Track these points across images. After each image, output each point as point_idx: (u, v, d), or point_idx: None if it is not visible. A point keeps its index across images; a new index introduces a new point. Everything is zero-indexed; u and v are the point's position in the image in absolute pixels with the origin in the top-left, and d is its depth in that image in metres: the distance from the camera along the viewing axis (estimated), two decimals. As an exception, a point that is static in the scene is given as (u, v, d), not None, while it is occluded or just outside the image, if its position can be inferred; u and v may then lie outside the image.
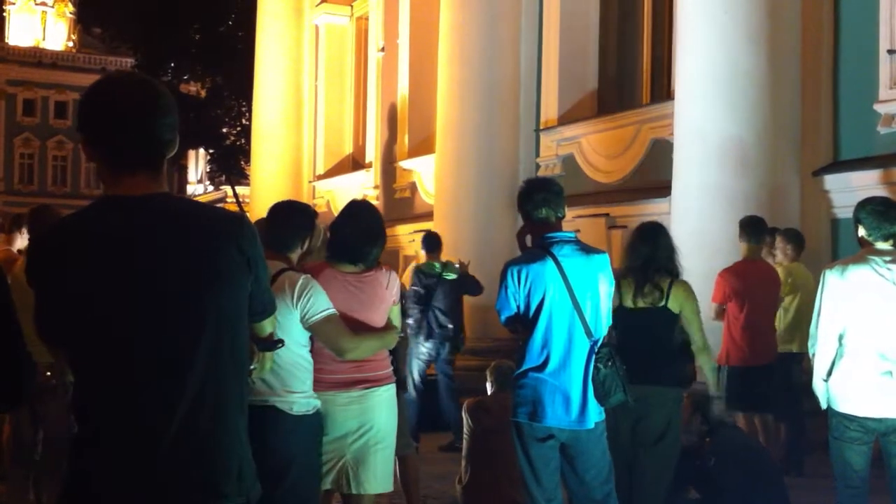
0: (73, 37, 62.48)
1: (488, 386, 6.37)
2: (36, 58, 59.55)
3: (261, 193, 18.39)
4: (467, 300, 9.38)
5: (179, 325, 2.16)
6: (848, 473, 4.64)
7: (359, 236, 4.46)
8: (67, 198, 54.23)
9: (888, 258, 4.56)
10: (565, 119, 12.03)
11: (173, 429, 2.14)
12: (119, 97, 2.23)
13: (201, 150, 41.41)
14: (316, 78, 18.81)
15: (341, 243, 4.49)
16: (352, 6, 18.48)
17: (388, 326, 4.46)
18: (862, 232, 4.68)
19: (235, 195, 31.28)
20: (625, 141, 11.05)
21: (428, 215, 13.54)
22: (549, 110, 12.23)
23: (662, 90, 11.08)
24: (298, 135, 18.84)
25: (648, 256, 5.20)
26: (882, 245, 4.61)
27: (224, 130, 30.92)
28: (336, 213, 4.77)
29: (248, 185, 24.48)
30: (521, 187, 4.70)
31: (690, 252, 7.27)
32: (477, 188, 11.82)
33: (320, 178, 18.64)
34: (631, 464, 5.11)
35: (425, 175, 14.65)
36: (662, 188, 9.38)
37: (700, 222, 8.23)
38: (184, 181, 54.18)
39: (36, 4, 61.63)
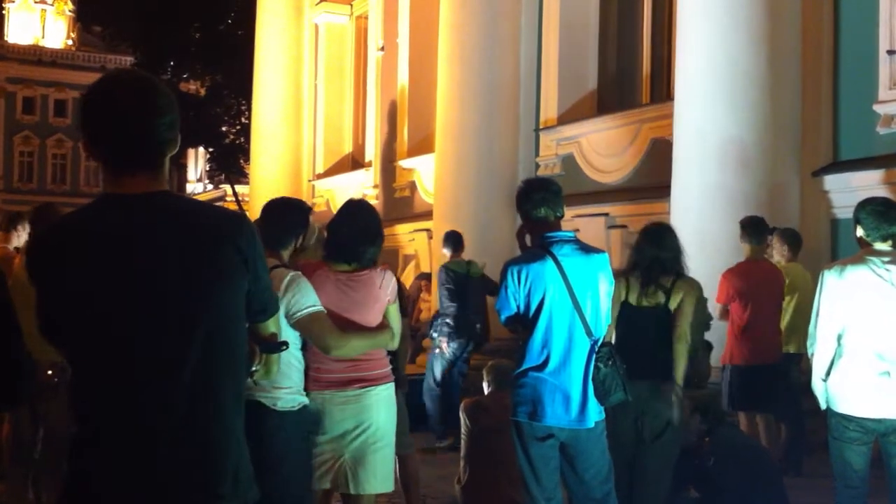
0: (73, 35, 62.44)
1: (485, 385, 6.37)
2: (35, 56, 59.52)
3: (260, 192, 18.38)
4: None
5: (177, 324, 2.16)
6: (847, 473, 4.65)
7: (355, 236, 4.47)
8: (67, 196, 54.20)
9: (887, 259, 4.56)
10: (565, 118, 12.03)
11: (172, 428, 2.14)
12: (118, 96, 2.23)
13: (201, 149, 41.40)
14: (315, 77, 18.80)
15: (337, 242, 4.51)
16: (351, 5, 18.47)
17: (383, 326, 4.46)
18: (861, 232, 4.68)
19: (235, 194, 31.26)
20: (624, 141, 11.05)
21: (427, 214, 13.53)
22: (549, 110, 12.23)
23: (662, 90, 11.08)
24: (298, 134, 18.83)
25: (654, 257, 5.21)
26: (881, 245, 4.61)
27: (223, 129, 30.91)
28: (336, 213, 4.78)
29: (247, 183, 24.47)
30: (519, 187, 4.71)
31: (690, 252, 7.26)
32: (476, 187, 11.82)
33: (320, 177, 18.63)
34: (632, 462, 5.11)
35: (425, 174, 14.65)
36: (662, 188, 9.37)
37: (700, 222, 8.22)
38: (183, 180, 54.14)
39: (35, 2, 61.60)
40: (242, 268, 2.25)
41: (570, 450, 4.42)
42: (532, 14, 12.34)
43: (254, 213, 16.11)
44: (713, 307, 7.06)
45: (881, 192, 7.26)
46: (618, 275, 4.86)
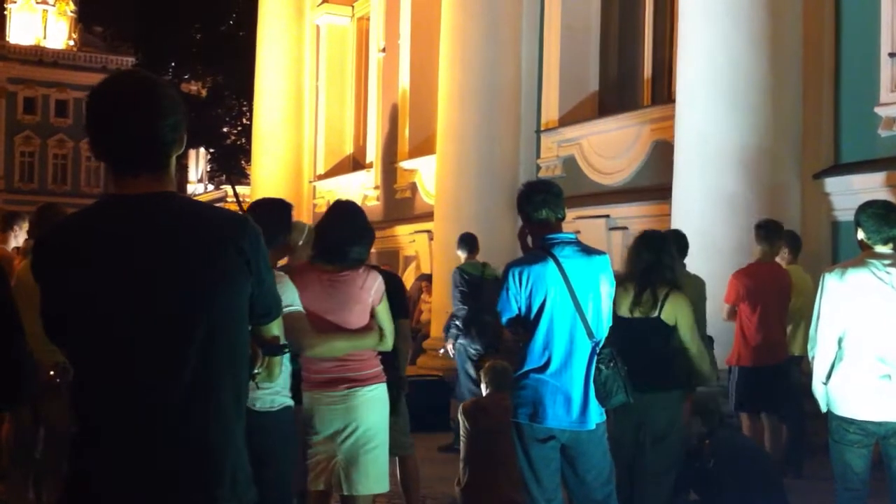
0: (74, 35, 62.47)
1: (483, 387, 6.36)
2: (37, 56, 59.54)
3: (261, 193, 18.38)
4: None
5: (177, 325, 2.16)
6: (848, 476, 4.65)
7: (339, 236, 4.49)
8: (68, 196, 54.22)
9: (888, 261, 4.56)
10: (566, 120, 12.03)
11: (171, 429, 2.14)
12: (122, 97, 2.23)
13: (202, 150, 41.44)
14: (317, 78, 18.81)
15: (322, 243, 4.54)
16: (353, 6, 18.48)
17: (369, 327, 4.47)
18: (862, 235, 4.68)
19: (236, 195, 31.26)
20: (626, 143, 11.06)
21: (428, 216, 13.54)
22: (550, 111, 12.24)
23: (663, 92, 11.08)
24: (299, 134, 18.84)
25: (650, 264, 5.21)
26: (882, 248, 4.61)
27: (224, 130, 30.95)
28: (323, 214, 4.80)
29: (248, 184, 24.50)
30: (520, 189, 4.71)
31: (692, 254, 7.28)
32: (478, 189, 11.83)
33: (321, 177, 18.64)
34: (632, 465, 5.11)
35: (426, 175, 14.65)
36: (663, 190, 9.38)
37: (701, 224, 8.22)
38: (184, 180, 54.15)
39: (37, 3, 61.62)
40: (245, 270, 2.24)
41: (570, 451, 4.42)
42: (533, 16, 12.35)
43: (255, 213, 16.10)
44: (720, 307, 7.07)
45: (882, 194, 7.25)
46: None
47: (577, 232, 8.04)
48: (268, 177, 18.65)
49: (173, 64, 29.62)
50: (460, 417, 6.12)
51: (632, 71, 11.94)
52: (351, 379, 4.42)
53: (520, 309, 4.42)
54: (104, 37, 38.28)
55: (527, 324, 4.41)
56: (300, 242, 4.90)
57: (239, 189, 31.27)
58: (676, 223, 8.44)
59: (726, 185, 8.18)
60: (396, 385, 5.47)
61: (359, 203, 17.11)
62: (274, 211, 4.37)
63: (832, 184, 8.47)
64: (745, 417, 7.11)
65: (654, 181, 10.22)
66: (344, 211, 4.71)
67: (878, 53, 8.27)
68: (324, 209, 17.68)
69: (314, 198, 18.71)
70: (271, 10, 18.92)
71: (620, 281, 5.11)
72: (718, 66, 8.30)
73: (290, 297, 4.04)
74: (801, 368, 6.91)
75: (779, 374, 6.97)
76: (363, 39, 18.21)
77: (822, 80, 8.63)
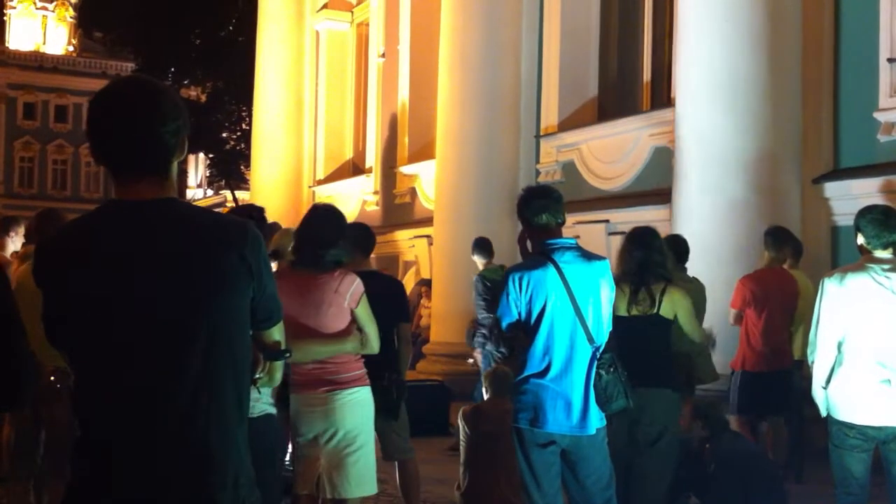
0: (74, 41, 62.48)
1: (484, 392, 6.37)
2: (37, 62, 59.57)
3: (261, 198, 18.38)
4: (467, 306, 9.37)
5: (178, 330, 2.16)
6: (848, 480, 4.65)
7: (314, 240, 4.53)
8: (67, 201, 54.18)
9: (887, 266, 4.57)
10: (566, 125, 12.05)
11: (172, 434, 2.14)
12: (123, 101, 2.23)
13: (201, 155, 41.47)
14: (316, 83, 18.82)
15: (299, 247, 4.60)
16: (352, 12, 18.51)
17: (347, 331, 4.48)
18: (861, 240, 4.68)
19: (235, 200, 31.29)
20: (625, 147, 11.07)
21: (428, 221, 13.55)
22: (550, 116, 12.25)
23: (663, 97, 11.09)
24: (299, 139, 18.85)
25: (643, 260, 5.22)
26: (881, 253, 4.61)
27: (224, 135, 30.97)
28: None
29: (248, 189, 24.50)
30: (520, 194, 4.71)
31: (691, 258, 7.29)
32: (477, 194, 11.84)
33: (320, 183, 18.65)
34: (627, 467, 5.10)
35: (425, 180, 14.66)
36: (663, 194, 9.39)
37: (701, 229, 8.23)
38: (183, 185, 54.18)
39: (37, 9, 61.63)
40: (246, 275, 2.25)
41: (571, 456, 4.42)
42: (533, 21, 12.37)
43: (254, 218, 16.10)
44: (719, 311, 7.07)
45: (881, 199, 7.27)
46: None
47: (577, 237, 8.02)
48: (267, 182, 18.65)
49: (173, 69, 29.64)
50: (460, 422, 6.12)
51: (631, 75, 11.96)
52: (330, 381, 4.45)
53: (520, 314, 4.42)
54: (104, 42, 38.22)
55: (527, 329, 4.42)
56: (290, 248, 4.92)
57: (238, 194, 31.30)
58: (676, 228, 8.45)
59: (726, 190, 8.19)
60: (397, 389, 5.48)
61: (358, 208, 17.12)
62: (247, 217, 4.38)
63: (832, 188, 8.48)
64: (739, 421, 7.10)
65: (654, 186, 10.23)
66: (318, 215, 4.75)
67: (877, 58, 8.29)
68: (324, 214, 17.49)
69: (314, 203, 18.72)
70: (271, 16, 18.94)
71: (616, 281, 5.12)
72: (718, 70, 8.31)
73: None
74: (801, 373, 6.91)
75: (782, 379, 6.98)
76: (363, 45, 18.23)
77: (821, 85, 8.65)
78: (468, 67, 12.09)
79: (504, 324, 4.54)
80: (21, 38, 60.76)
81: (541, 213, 4.51)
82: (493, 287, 8.58)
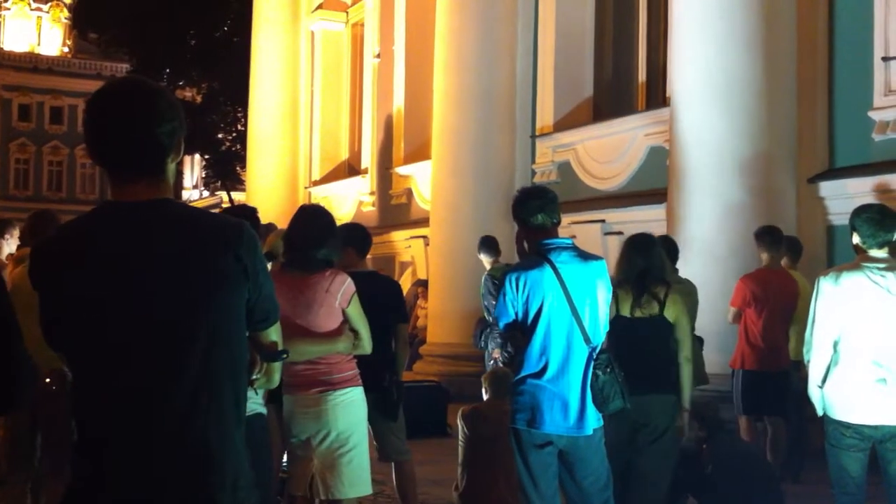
0: (69, 42, 62.37)
1: (483, 393, 6.37)
2: (31, 63, 59.47)
3: (256, 199, 18.38)
4: (464, 306, 9.36)
5: (176, 331, 2.16)
6: (844, 480, 4.65)
7: (302, 240, 4.54)
8: (63, 203, 54.07)
9: (883, 265, 4.57)
10: (561, 125, 12.06)
11: (169, 435, 2.14)
12: (118, 103, 2.24)
13: (197, 156, 41.42)
14: (312, 84, 18.81)
15: (288, 248, 4.61)
16: (347, 12, 18.50)
17: (338, 331, 4.48)
18: (857, 239, 4.69)
19: (231, 201, 31.24)
20: (620, 147, 11.08)
21: (424, 221, 13.55)
22: (545, 116, 12.26)
23: (658, 97, 11.11)
24: (294, 140, 18.84)
25: (644, 268, 5.23)
26: (877, 252, 4.62)
27: (220, 136, 30.95)
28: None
29: (243, 190, 24.47)
30: (515, 195, 4.72)
31: (686, 258, 7.30)
32: (473, 194, 11.84)
33: (316, 183, 18.64)
34: (625, 468, 5.11)
35: (421, 181, 14.66)
36: (658, 194, 9.40)
37: (696, 228, 8.25)
38: (179, 186, 54.09)
39: (31, 10, 61.52)
40: (242, 276, 2.25)
41: (568, 457, 4.43)
42: (528, 21, 12.38)
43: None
44: (715, 309, 7.08)
45: (876, 198, 7.28)
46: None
47: (573, 237, 8.02)
48: (263, 183, 18.64)
49: (168, 70, 29.63)
50: (459, 422, 6.12)
51: (626, 75, 11.97)
52: (322, 382, 4.45)
53: (517, 314, 4.43)
54: (99, 43, 38.23)
55: (524, 329, 4.42)
56: (282, 250, 4.92)
57: (234, 195, 31.26)
58: (672, 227, 8.46)
59: (721, 190, 8.20)
60: (395, 390, 5.48)
61: (354, 209, 17.12)
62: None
63: (827, 188, 8.50)
64: (746, 421, 7.11)
65: (650, 186, 10.24)
66: (306, 215, 4.76)
67: (871, 58, 8.30)
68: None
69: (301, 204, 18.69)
70: (266, 16, 18.92)
71: (617, 284, 5.13)
72: (713, 70, 8.32)
73: None
74: (800, 373, 6.92)
75: (782, 379, 6.99)
76: (358, 45, 18.23)
77: (816, 85, 8.66)
78: (464, 68, 12.09)
79: (501, 324, 4.55)
80: (15, 40, 60.64)
81: (536, 214, 4.51)
82: (500, 285, 8.57)
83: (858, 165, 8.35)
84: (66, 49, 62.38)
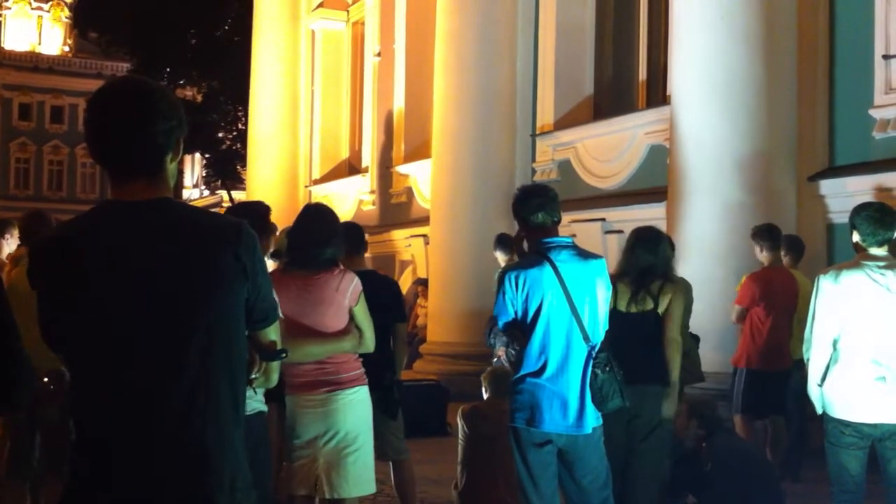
0: (69, 41, 62.39)
1: (483, 392, 6.37)
2: (32, 62, 59.49)
3: (257, 198, 18.26)
4: (464, 305, 9.35)
5: (175, 331, 2.16)
6: (844, 478, 4.66)
7: (307, 239, 4.51)
8: (63, 202, 54.17)
9: (882, 264, 4.57)
10: (561, 124, 12.05)
11: (168, 434, 2.14)
12: (117, 101, 2.24)
13: (197, 155, 41.41)
14: (312, 83, 18.81)
15: (291, 247, 4.59)
16: (348, 11, 18.50)
17: (346, 331, 4.47)
18: (857, 237, 4.69)
19: (231, 200, 31.25)
20: (621, 146, 11.07)
21: (424, 220, 13.55)
22: (546, 115, 12.26)
23: (658, 95, 11.10)
24: (295, 139, 18.84)
25: (649, 264, 5.23)
26: (876, 251, 4.62)
27: (220, 135, 30.95)
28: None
29: (244, 189, 24.47)
30: (516, 193, 4.72)
31: (686, 257, 7.30)
32: (473, 193, 11.83)
33: (316, 182, 18.64)
34: (624, 466, 5.10)
35: (422, 180, 14.66)
36: (658, 193, 9.40)
37: (696, 227, 8.25)
38: (180, 185, 54.11)
39: (32, 9, 61.53)
40: (242, 275, 2.25)
41: (567, 456, 4.42)
42: (528, 20, 12.37)
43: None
44: (720, 309, 7.07)
45: (877, 197, 7.28)
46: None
47: (573, 235, 8.02)
48: (263, 182, 18.63)
49: (168, 69, 29.62)
50: (459, 421, 6.12)
51: (627, 74, 11.97)
52: (330, 382, 4.43)
53: (516, 313, 4.42)
54: (99, 42, 38.22)
55: (523, 328, 4.42)
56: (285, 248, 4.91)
57: (234, 194, 31.26)
58: (672, 226, 8.46)
59: (722, 188, 8.20)
60: (394, 389, 5.48)
61: (354, 208, 17.12)
62: (248, 216, 4.34)
63: (827, 186, 8.49)
64: (741, 420, 7.10)
65: (650, 184, 10.23)
66: (310, 214, 4.74)
67: (871, 56, 8.29)
68: (320, 214, 17.52)
69: (306, 203, 18.70)
70: (266, 15, 18.92)
71: (618, 276, 5.13)
72: (713, 68, 8.31)
73: None
74: (801, 373, 6.92)
75: (786, 378, 6.99)
76: (358, 44, 18.22)
77: (816, 83, 8.65)
78: (464, 66, 12.08)
79: (500, 323, 4.54)
80: (16, 39, 60.67)
81: (537, 212, 4.51)
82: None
83: (859, 164, 8.34)
84: (66, 48, 62.41)
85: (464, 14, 12.10)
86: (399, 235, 15.30)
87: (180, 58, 29.35)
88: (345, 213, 16.28)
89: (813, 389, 4.72)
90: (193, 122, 25.02)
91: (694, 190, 8.38)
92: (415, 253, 14.82)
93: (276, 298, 4.00)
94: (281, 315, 4.06)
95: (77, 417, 2.23)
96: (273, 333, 2.48)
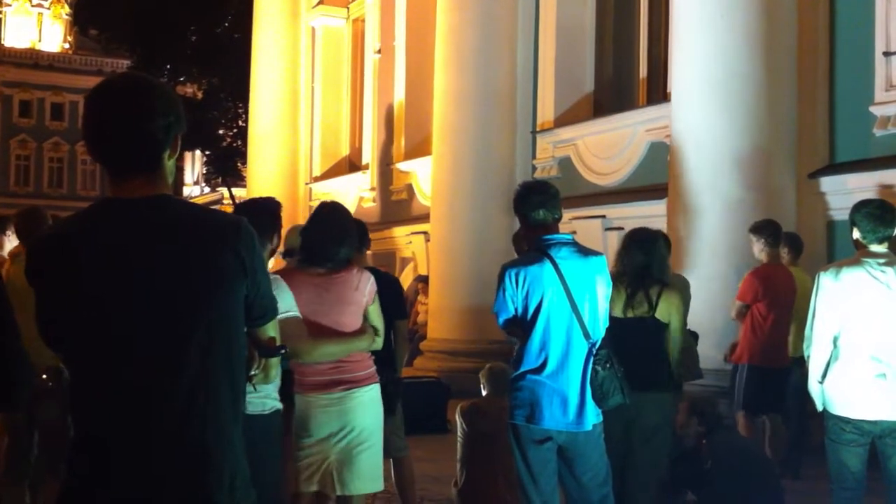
0: (70, 38, 62.35)
1: (482, 389, 6.36)
2: (32, 59, 59.44)
3: (257, 195, 18.30)
4: (465, 302, 9.34)
5: (175, 328, 2.16)
6: (844, 475, 4.66)
7: (324, 238, 4.48)
8: (64, 199, 54.14)
9: (883, 260, 4.57)
10: (562, 121, 12.04)
11: (168, 432, 2.14)
12: (114, 98, 2.23)
13: (197, 152, 41.44)
14: (312, 80, 18.81)
15: (308, 245, 4.53)
16: (348, 8, 18.49)
17: (362, 330, 4.46)
18: (857, 234, 4.69)
19: (232, 197, 31.28)
20: (621, 143, 11.07)
21: (425, 217, 13.55)
22: (546, 112, 12.25)
23: (658, 92, 11.10)
24: (295, 137, 18.83)
25: (644, 265, 5.21)
26: (876, 248, 4.62)
27: (220, 132, 30.92)
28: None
29: (244, 186, 24.48)
30: (517, 190, 4.71)
31: (686, 254, 7.29)
32: (473, 190, 11.83)
33: (317, 179, 18.64)
34: (622, 466, 5.10)
35: (422, 177, 14.66)
36: (658, 190, 9.40)
37: (696, 224, 8.24)
38: (180, 182, 54.14)
39: (32, 6, 61.50)
40: (241, 272, 2.24)
41: (567, 453, 4.42)
42: (528, 17, 12.36)
43: (251, 216, 16.09)
44: (719, 306, 7.05)
45: (877, 194, 7.26)
46: None
47: (574, 232, 8.02)
48: (264, 179, 18.64)
49: (169, 66, 29.60)
50: (458, 419, 6.12)
51: (627, 71, 11.96)
52: (347, 381, 4.42)
53: (516, 310, 4.42)
54: (99, 39, 38.17)
55: (523, 325, 4.42)
56: (298, 246, 4.89)
57: (235, 191, 31.26)
58: (672, 223, 8.46)
59: (721, 185, 8.19)
60: (396, 386, 5.48)
61: (355, 205, 17.12)
62: (260, 213, 4.31)
63: (827, 183, 8.48)
64: (744, 417, 7.09)
65: (650, 181, 10.23)
66: (327, 212, 4.71)
67: (872, 52, 8.28)
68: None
69: (310, 200, 18.69)
70: (267, 12, 18.92)
71: (615, 278, 5.12)
72: (713, 65, 8.31)
73: (287, 303, 4.02)
74: (802, 370, 6.92)
75: (786, 374, 6.98)
76: (359, 41, 18.22)
77: (816, 80, 8.64)
78: (464, 63, 12.08)
79: (501, 320, 4.54)
80: (16, 36, 60.62)
81: (537, 209, 4.51)
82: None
83: (859, 161, 8.34)
84: (66, 45, 62.37)
85: (464, 11, 12.10)
86: (399, 233, 15.29)
87: (180, 55, 29.34)
88: (345, 211, 16.25)
89: (813, 386, 4.72)
90: (194, 119, 25.13)
91: (694, 187, 8.38)
92: (415, 250, 14.82)
93: (292, 296, 4.01)
94: (299, 315, 4.06)
95: (76, 416, 2.22)
96: (272, 330, 2.47)
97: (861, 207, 4.73)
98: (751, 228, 7.14)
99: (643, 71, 11.57)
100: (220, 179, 34.99)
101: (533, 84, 12.39)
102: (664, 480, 5.48)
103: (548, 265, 4.37)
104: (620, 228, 10.32)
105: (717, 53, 8.30)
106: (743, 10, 8.24)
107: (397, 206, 15.88)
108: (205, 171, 42.65)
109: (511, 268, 4.48)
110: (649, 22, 11.52)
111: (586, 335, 4.37)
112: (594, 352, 4.40)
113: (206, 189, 49.33)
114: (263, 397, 4.01)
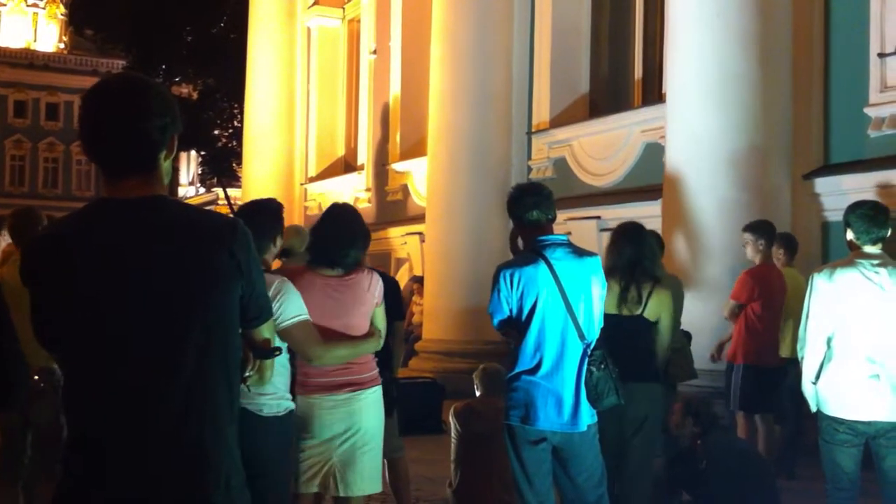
0: (65, 38, 62.29)
1: (476, 389, 6.36)
2: (27, 59, 59.36)
3: (253, 196, 18.20)
4: (460, 303, 9.34)
5: (170, 329, 2.15)
6: (838, 476, 4.67)
7: (336, 239, 4.45)
8: (59, 200, 54.06)
9: (876, 262, 4.59)
10: (557, 122, 12.05)
11: (164, 433, 2.14)
12: (109, 98, 2.23)
13: (193, 152, 41.40)
14: (308, 80, 18.80)
15: (320, 246, 4.51)
16: (344, 8, 18.48)
17: (370, 333, 4.45)
18: (851, 235, 4.70)
19: (227, 197, 31.23)
20: (616, 144, 11.08)
21: (420, 218, 13.55)
22: (541, 113, 12.26)
23: (654, 93, 11.10)
24: (290, 137, 18.83)
25: (633, 258, 5.20)
26: (870, 249, 4.63)
27: (216, 132, 30.91)
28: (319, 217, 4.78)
29: (240, 187, 24.47)
30: (510, 192, 4.72)
31: (681, 254, 7.30)
32: (469, 191, 11.83)
33: (312, 180, 18.63)
34: (617, 464, 5.10)
35: (417, 177, 14.66)
36: (654, 191, 9.40)
37: (692, 225, 8.25)
38: (175, 183, 54.08)
39: (27, 6, 61.44)
40: (236, 273, 2.24)
41: (562, 453, 4.43)
42: (524, 18, 12.37)
43: (246, 216, 16.08)
44: (715, 307, 7.05)
45: (872, 195, 7.27)
46: None
47: (568, 233, 8.04)
48: (259, 179, 18.63)
49: (164, 66, 29.58)
50: (452, 420, 6.12)
51: (622, 72, 11.97)
52: (353, 382, 4.41)
53: (511, 311, 4.43)
54: (95, 39, 38.11)
55: (518, 326, 4.42)
56: (302, 249, 4.88)
57: (230, 192, 31.24)
58: (667, 224, 8.47)
59: (717, 186, 8.20)
60: (393, 386, 5.48)
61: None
62: (263, 214, 4.30)
63: (822, 184, 8.50)
64: (743, 417, 7.10)
65: (645, 182, 10.24)
66: (338, 213, 4.68)
67: (867, 54, 8.30)
68: (315, 212, 17.77)
69: (305, 200, 18.70)
70: (262, 13, 18.91)
71: (607, 272, 5.12)
72: (708, 67, 8.31)
73: (298, 307, 4.02)
74: (796, 370, 6.92)
75: (781, 374, 6.99)
76: (354, 41, 18.22)
77: (811, 81, 8.66)
78: (460, 64, 12.08)
79: (495, 321, 4.55)
80: (11, 36, 60.54)
81: (531, 210, 4.51)
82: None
83: (854, 162, 8.35)
84: (62, 45, 62.32)
85: (460, 11, 12.10)
86: (395, 233, 15.30)
87: (176, 55, 29.33)
88: (340, 211, 16.24)
89: (807, 387, 4.73)
90: (189, 119, 25.07)
91: (689, 188, 8.39)
92: (410, 251, 14.82)
93: (301, 299, 4.01)
94: (309, 318, 4.05)
95: (71, 416, 2.22)
96: (267, 331, 2.48)
97: (855, 208, 4.74)
98: (745, 229, 7.15)
99: (638, 72, 11.58)
100: (215, 180, 35.01)
101: (528, 85, 12.40)
102: (660, 480, 5.49)
103: (542, 266, 4.37)
104: (615, 229, 10.34)
105: (712, 54, 8.31)
106: (738, 10, 8.25)
107: (393, 206, 15.89)
108: (200, 172, 42.68)
109: (506, 268, 4.49)
110: (644, 23, 11.53)
111: (581, 336, 4.37)
112: (589, 352, 4.40)
113: (202, 190, 49.31)
114: (278, 398, 4.02)
